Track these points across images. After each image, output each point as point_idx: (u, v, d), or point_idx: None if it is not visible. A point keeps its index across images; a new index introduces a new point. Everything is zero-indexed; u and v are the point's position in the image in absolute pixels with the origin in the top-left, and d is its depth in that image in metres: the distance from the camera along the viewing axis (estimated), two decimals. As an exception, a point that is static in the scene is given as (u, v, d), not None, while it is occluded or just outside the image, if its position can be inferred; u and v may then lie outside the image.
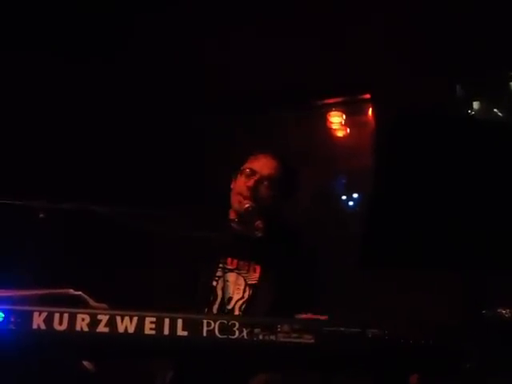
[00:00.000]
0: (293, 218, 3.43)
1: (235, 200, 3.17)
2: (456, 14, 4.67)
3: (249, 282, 3.08)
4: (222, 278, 3.06)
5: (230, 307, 3.02)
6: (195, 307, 2.88)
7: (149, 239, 3.44)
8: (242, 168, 3.22)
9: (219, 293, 3.04)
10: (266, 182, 3.15)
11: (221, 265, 3.09)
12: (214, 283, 3.06)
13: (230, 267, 3.10)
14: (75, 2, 5.06)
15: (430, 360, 2.15)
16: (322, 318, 2.48)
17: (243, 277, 3.09)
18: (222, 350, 2.13)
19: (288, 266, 3.06)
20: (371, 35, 4.92)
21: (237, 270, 3.11)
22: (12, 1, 4.88)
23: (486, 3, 4.56)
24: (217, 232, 2.99)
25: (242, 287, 3.07)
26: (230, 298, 3.04)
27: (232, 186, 3.24)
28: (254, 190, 3.12)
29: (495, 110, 5.02)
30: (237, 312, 3.01)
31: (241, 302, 3.04)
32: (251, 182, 3.14)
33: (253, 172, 3.17)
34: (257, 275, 3.10)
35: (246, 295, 3.06)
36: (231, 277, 3.08)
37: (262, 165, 3.20)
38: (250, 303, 3.04)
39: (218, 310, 3.00)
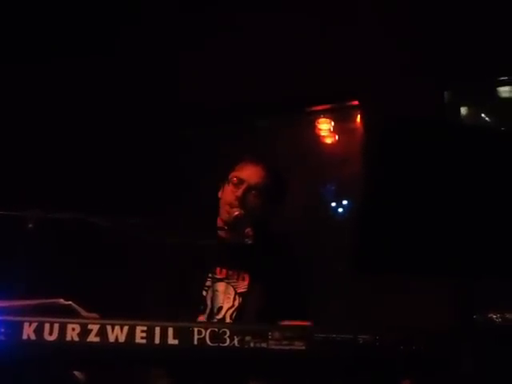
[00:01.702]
0: (282, 225, 3.43)
1: (224, 210, 3.15)
2: (444, 20, 4.69)
3: (238, 291, 3.08)
4: (211, 288, 3.05)
5: (220, 317, 3.02)
6: (185, 317, 2.87)
7: (138, 248, 3.44)
8: (229, 177, 3.20)
9: (208, 303, 3.03)
10: (254, 191, 3.13)
11: (210, 274, 3.08)
12: (204, 293, 3.05)
13: (218, 277, 3.09)
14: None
15: (422, 366, 2.15)
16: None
17: (232, 286, 3.09)
18: (213, 358, 2.12)
19: (277, 273, 3.06)
20: (359, 42, 4.94)
21: (226, 279, 3.10)
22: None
23: (473, 9, 4.58)
24: (205, 241, 2.99)
25: (232, 296, 3.06)
26: (221, 308, 3.04)
27: (220, 195, 3.22)
28: (242, 200, 3.11)
29: (483, 115, 5.04)
30: (228, 321, 3.00)
31: (231, 310, 3.04)
32: (240, 192, 3.11)
33: (240, 181, 3.15)
34: (246, 283, 3.09)
35: (236, 303, 3.05)
36: (220, 286, 3.08)
37: (250, 173, 3.17)
38: (240, 311, 3.03)
39: (207, 320, 2.99)
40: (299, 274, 3.18)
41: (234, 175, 3.19)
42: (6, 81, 5.02)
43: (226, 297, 3.06)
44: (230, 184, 3.17)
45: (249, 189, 3.13)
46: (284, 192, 3.27)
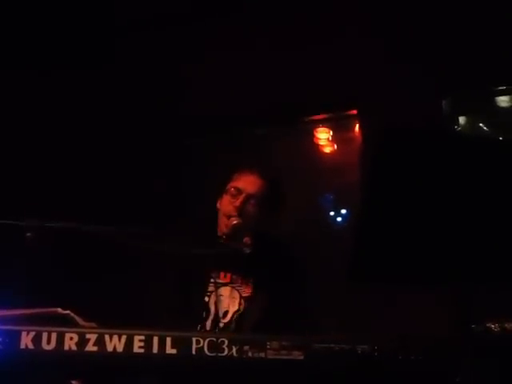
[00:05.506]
0: (280, 234, 3.43)
1: (222, 221, 3.16)
2: (442, 30, 4.70)
3: (243, 295, 3.08)
4: (214, 293, 3.05)
5: (226, 320, 3.02)
6: (188, 324, 2.88)
7: (138, 257, 3.43)
8: (227, 187, 3.21)
9: (212, 308, 3.03)
10: (252, 201, 3.14)
11: (212, 280, 3.08)
12: (207, 299, 3.05)
13: (223, 281, 3.09)
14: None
15: (420, 375, 2.15)
16: None
17: (237, 290, 3.09)
18: (212, 367, 2.12)
19: (278, 280, 3.05)
20: (357, 51, 4.95)
21: (231, 283, 3.10)
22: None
23: (471, 18, 4.60)
24: (208, 247, 2.99)
25: (238, 300, 3.07)
26: (226, 312, 3.04)
27: (218, 206, 3.23)
28: (241, 210, 3.11)
29: (481, 124, 5.04)
30: (234, 325, 3.01)
31: (237, 314, 3.04)
32: (238, 202, 3.12)
33: (238, 191, 3.15)
34: (250, 289, 3.10)
35: (242, 307, 3.05)
36: (225, 291, 3.08)
37: (248, 183, 3.18)
38: (242, 315, 3.03)
39: (212, 325, 2.99)
40: (300, 280, 3.17)
41: (232, 185, 3.19)
42: (8, 91, 5.03)
43: (231, 301, 3.06)
44: (229, 194, 3.17)
45: (247, 198, 3.13)
46: (282, 200, 3.27)
